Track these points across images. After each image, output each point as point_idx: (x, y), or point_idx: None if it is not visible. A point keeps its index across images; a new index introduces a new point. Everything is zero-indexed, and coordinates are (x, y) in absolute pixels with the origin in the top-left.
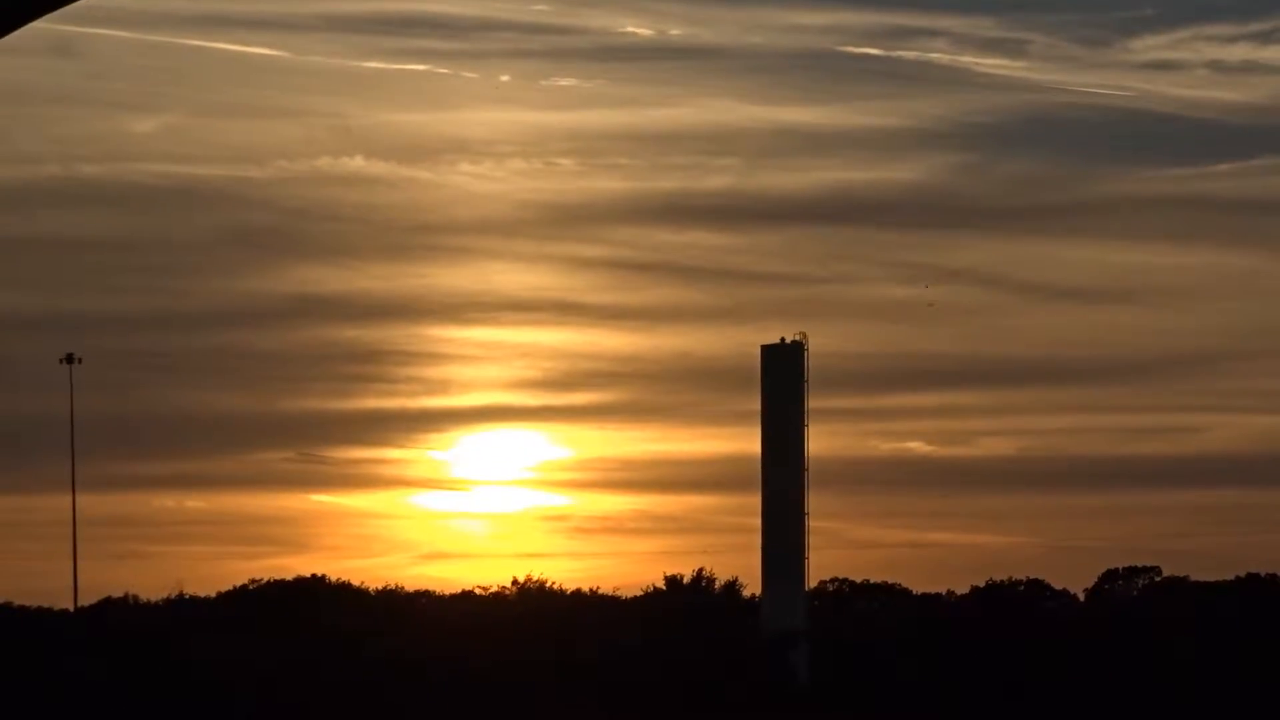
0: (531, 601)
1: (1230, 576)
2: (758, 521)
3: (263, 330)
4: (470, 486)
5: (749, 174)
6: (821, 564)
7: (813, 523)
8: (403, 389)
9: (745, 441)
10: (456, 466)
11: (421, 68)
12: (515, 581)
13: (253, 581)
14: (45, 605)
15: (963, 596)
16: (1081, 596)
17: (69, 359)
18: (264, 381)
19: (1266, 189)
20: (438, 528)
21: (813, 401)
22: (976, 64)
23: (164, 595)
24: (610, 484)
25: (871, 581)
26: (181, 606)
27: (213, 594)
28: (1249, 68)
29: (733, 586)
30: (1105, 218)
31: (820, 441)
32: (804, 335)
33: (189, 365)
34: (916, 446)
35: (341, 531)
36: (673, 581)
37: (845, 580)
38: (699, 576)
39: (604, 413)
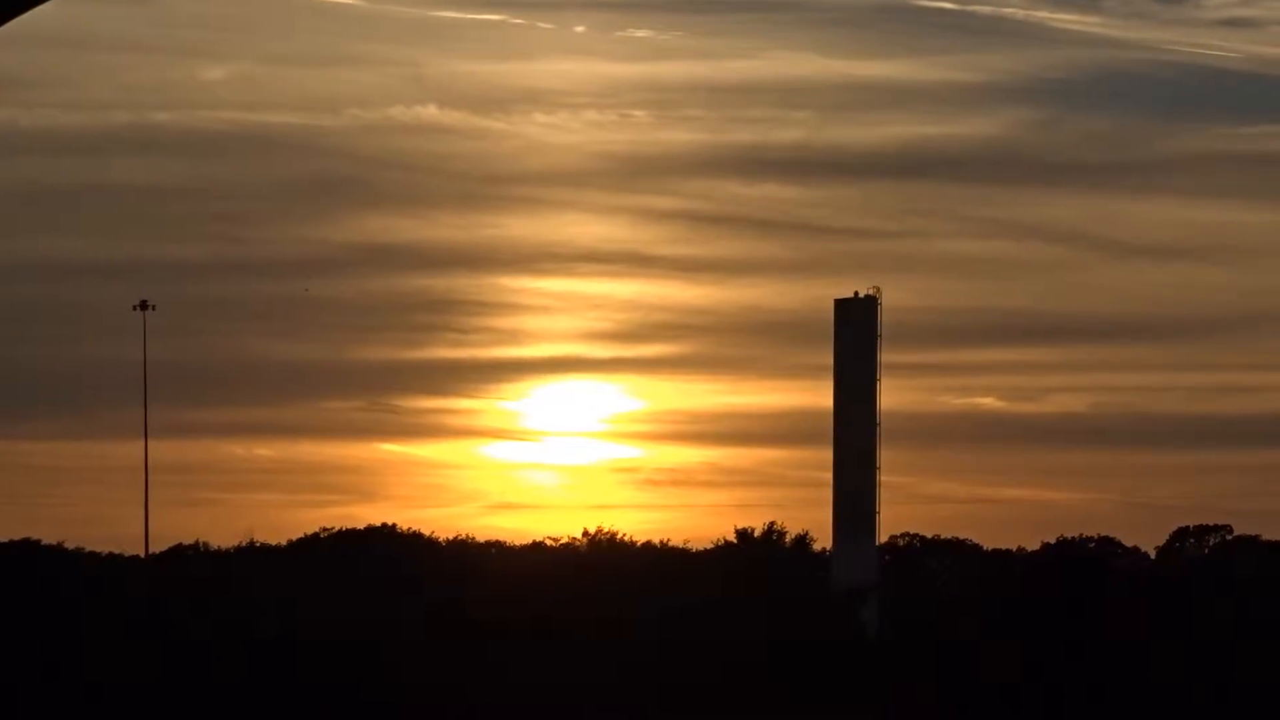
0: (602, 553)
1: None
2: (829, 476)
3: (334, 280)
4: (541, 437)
5: (823, 127)
6: (893, 519)
7: (884, 478)
8: (474, 339)
9: (817, 395)
10: (527, 417)
11: (496, 17)
12: (585, 533)
13: (324, 530)
14: (117, 551)
15: (1034, 553)
16: (1153, 554)
17: (142, 306)
18: (334, 331)
19: None
20: (508, 478)
21: (885, 356)
22: (1050, 19)
23: (235, 543)
24: (681, 436)
25: (942, 537)
26: (252, 554)
27: (283, 542)
28: None
29: (803, 541)
30: (1179, 175)
31: (892, 396)
32: (878, 289)
33: (261, 313)
34: (988, 402)
35: (411, 481)
36: (743, 535)
37: (916, 535)
38: (770, 530)
39: (676, 365)
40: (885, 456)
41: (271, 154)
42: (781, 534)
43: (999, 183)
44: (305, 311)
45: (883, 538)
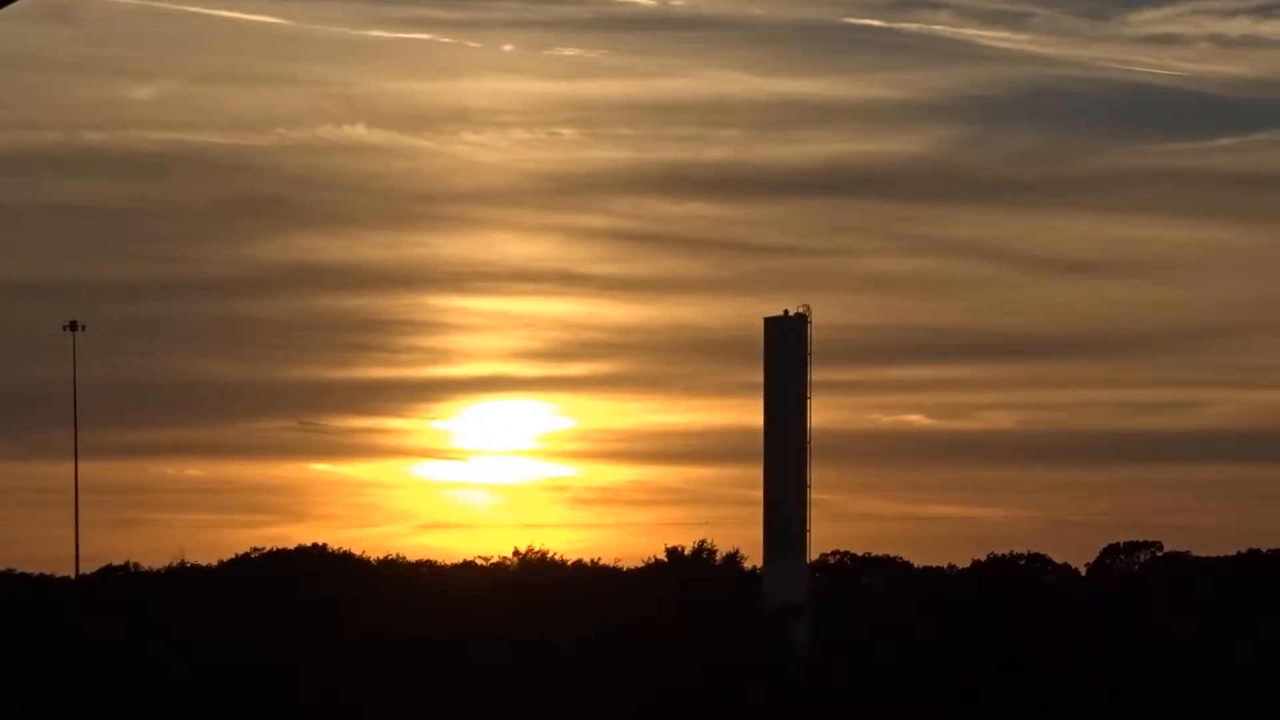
0: (533, 572)
1: (1232, 552)
2: (759, 494)
3: (264, 299)
4: (471, 456)
5: (749, 145)
6: (823, 537)
7: (814, 495)
8: (404, 358)
9: (747, 413)
10: (457, 436)
11: (424, 36)
12: (516, 552)
13: (254, 550)
14: (47, 572)
15: (965, 570)
16: (1083, 571)
17: (72, 326)
18: (265, 350)
19: (1267, 164)
20: (438, 498)
21: (814, 374)
22: (978, 36)
23: (166, 563)
24: (612, 455)
25: (873, 554)
26: (183, 574)
27: (214, 562)
28: (1249, 41)
29: (734, 559)
30: (1106, 191)
31: (821, 414)
32: (807, 308)
33: (191, 333)
34: (917, 419)
35: (341, 501)
36: (674, 553)
37: (847, 553)
38: (700, 548)
39: (605, 383)
40: (815, 474)
41: (201, 173)
42: (712, 552)
43: (927, 200)
44: (235, 332)
45: (813, 555)
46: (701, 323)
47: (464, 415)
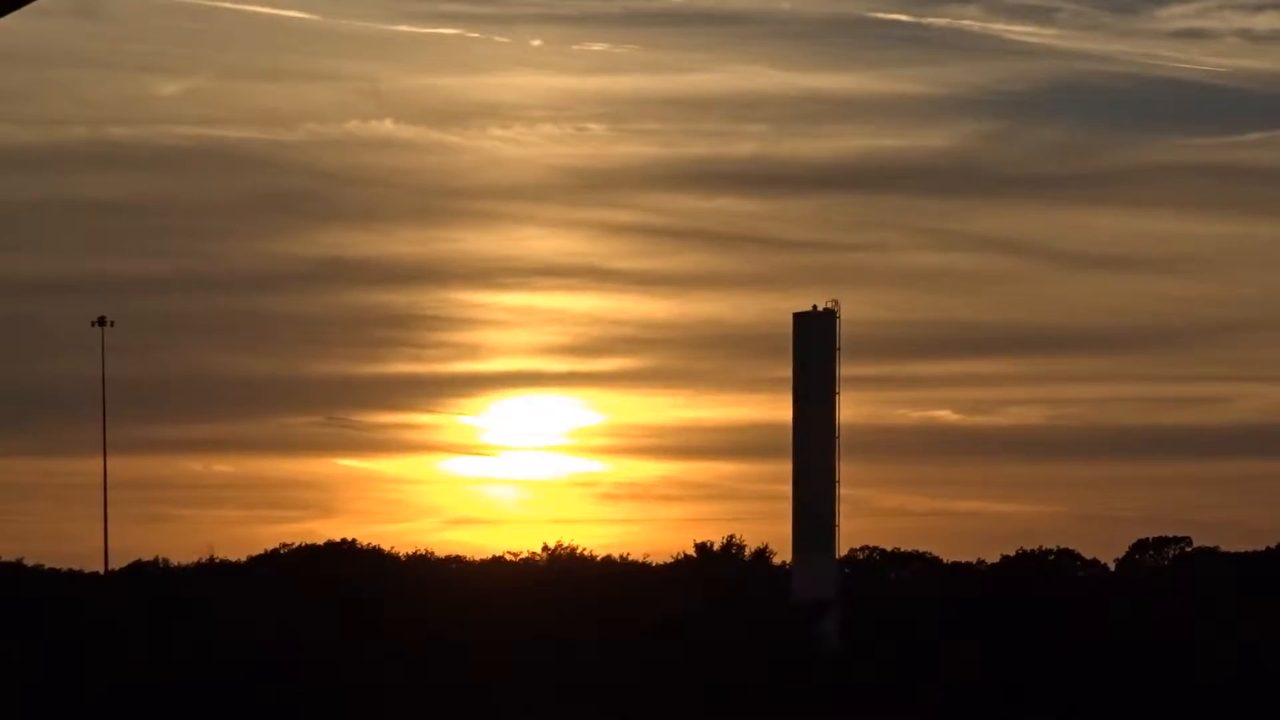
0: (562, 568)
1: (1262, 547)
2: (788, 489)
3: (293, 294)
4: (499, 452)
5: (778, 140)
6: (852, 532)
7: (843, 490)
8: (432, 354)
9: (776, 408)
10: (486, 432)
11: (452, 31)
12: (545, 547)
13: (283, 546)
14: (76, 568)
15: (994, 565)
16: (1112, 566)
17: (100, 322)
18: (293, 345)
19: None
20: (467, 493)
21: (843, 369)
22: (1006, 31)
23: (195, 559)
24: (641, 450)
25: (902, 550)
26: (212, 570)
27: (243, 558)
28: (1277, 36)
29: (763, 554)
30: (1134, 186)
31: (849, 409)
32: (836, 303)
33: (219, 329)
34: (945, 415)
35: (369, 496)
36: (703, 548)
37: (876, 548)
38: (729, 544)
39: (634, 379)
40: (844, 469)
41: (228, 169)
42: (741, 547)
43: (955, 195)
44: (264, 327)
45: (842, 551)
46: (730, 318)
47: (492, 410)
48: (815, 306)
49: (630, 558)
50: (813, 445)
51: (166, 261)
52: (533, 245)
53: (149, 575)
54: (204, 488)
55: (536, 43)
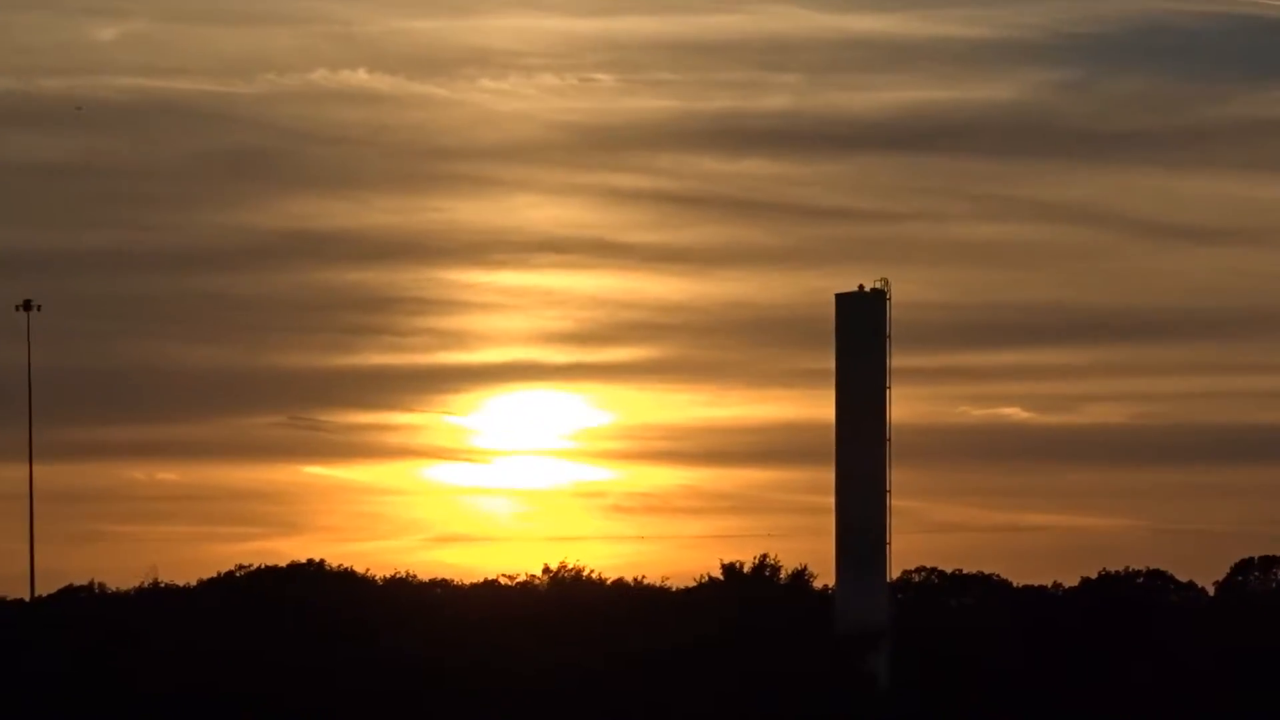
0: (565, 593)
1: None
2: (830, 500)
3: (251, 273)
4: (492, 457)
5: (813, 92)
6: (905, 551)
7: (895, 502)
8: (414, 342)
9: (815, 406)
10: (477, 434)
11: None
12: (546, 569)
13: (240, 568)
14: None
15: (1071, 590)
16: (1212, 591)
17: (26, 306)
18: (251, 333)
19: None
20: (454, 505)
21: (894, 360)
22: None
23: (135, 583)
24: (657, 455)
25: (964, 572)
26: (156, 596)
27: (192, 582)
28: None
29: (801, 576)
30: (1231, 145)
31: (902, 406)
32: (885, 282)
33: (165, 314)
34: (1013, 413)
35: (341, 510)
36: (730, 570)
37: (933, 570)
38: (761, 564)
39: (649, 371)
40: (896, 477)
41: (176, 126)
42: (775, 569)
43: (1020, 156)
44: (217, 311)
45: (894, 573)
46: (761, 300)
47: (485, 409)
48: (861, 286)
49: (645, 581)
50: (859, 449)
51: (103, 235)
52: (530, 215)
53: (82, 602)
54: (147, 499)
55: None
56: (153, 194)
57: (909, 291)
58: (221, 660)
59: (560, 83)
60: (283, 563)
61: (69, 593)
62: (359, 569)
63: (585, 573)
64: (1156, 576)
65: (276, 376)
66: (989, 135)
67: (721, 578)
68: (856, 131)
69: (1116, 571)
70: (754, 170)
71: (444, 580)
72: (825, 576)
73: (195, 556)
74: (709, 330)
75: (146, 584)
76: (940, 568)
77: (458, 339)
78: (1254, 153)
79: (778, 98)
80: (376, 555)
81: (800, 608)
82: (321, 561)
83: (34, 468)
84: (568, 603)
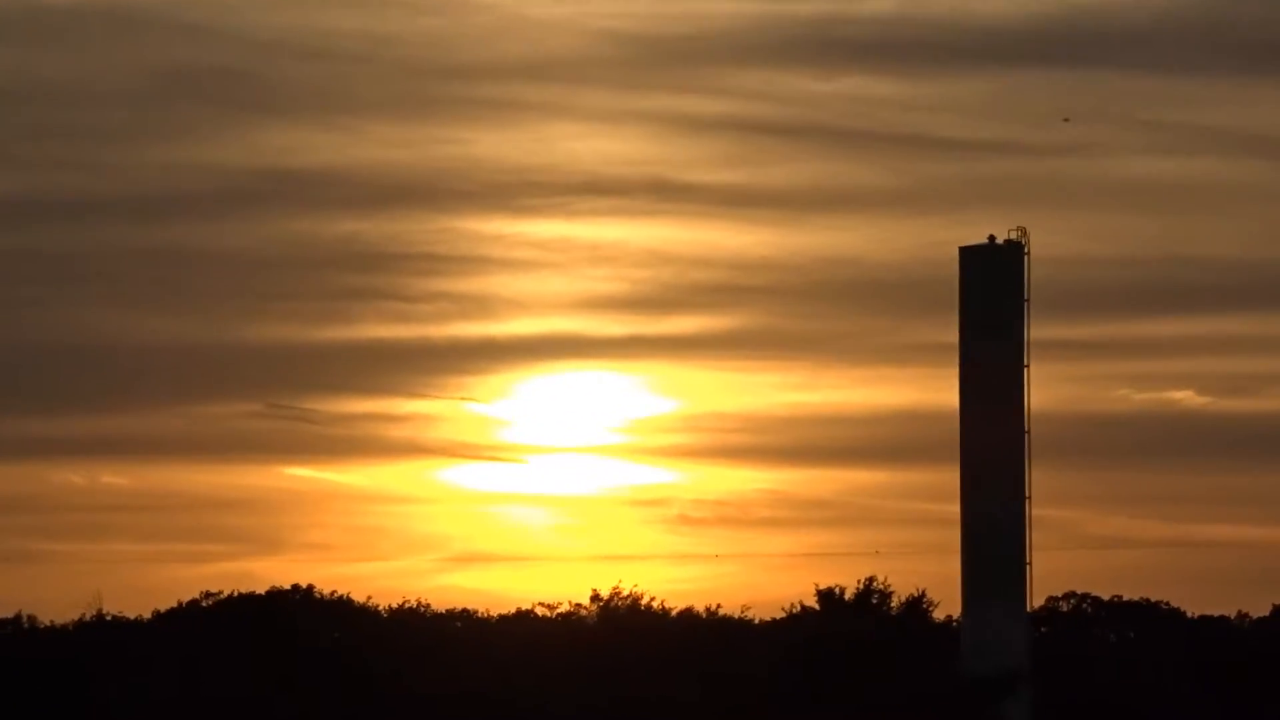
0: (619, 626)
1: None
2: (955, 509)
3: (217, 223)
4: (526, 455)
5: None
6: (1049, 572)
7: (1036, 511)
8: (425, 310)
9: (934, 390)
10: (506, 426)
11: None
12: (595, 597)
13: (205, 595)
14: None
15: (1260, 621)
16: None
17: None
18: (219, 300)
19: None
20: (478, 517)
21: (1034, 330)
22: None
23: (75, 616)
24: (731, 452)
25: (1123, 599)
26: (100, 631)
27: (146, 614)
28: None
29: (918, 605)
30: None
31: (1043, 391)
32: (1023, 232)
33: (111, 274)
34: (1186, 397)
35: (333, 522)
36: (827, 597)
37: (1085, 596)
38: (867, 590)
39: (722, 346)
40: (1037, 479)
41: (124, 39)
42: (885, 596)
43: (1194, 72)
44: (176, 271)
45: (1036, 600)
46: (864, 255)
47: (515, 394)
48: (992, 238)
49: (721, 612)
50: (990, 444)
51: (34, 177)
52: (571, 149)
53: (6, 640)
54: (89, 510)
55: None
56: (94, 125)
57: (1052, 244)
58: (182, 713)
59: None
60: (260, 589)
61: None
62: (357, 597)
63: (644, 601)
64: None
65: (250, 354)
66: (1163, 45)
67: (817, 607)
68: (983, 42)
69: None
70: (856, 91)
71: (465, 611)
72: (949, 605)
73: (149, 582)
74: (800, 294)
75: (89, 616)
76: (1094, 593)
77: (480, 306)
78: None
79: (883, 1)
80: (379, 580)
81: (918, 644)
82: (309, 588)
83: None
84: (622, 639)
